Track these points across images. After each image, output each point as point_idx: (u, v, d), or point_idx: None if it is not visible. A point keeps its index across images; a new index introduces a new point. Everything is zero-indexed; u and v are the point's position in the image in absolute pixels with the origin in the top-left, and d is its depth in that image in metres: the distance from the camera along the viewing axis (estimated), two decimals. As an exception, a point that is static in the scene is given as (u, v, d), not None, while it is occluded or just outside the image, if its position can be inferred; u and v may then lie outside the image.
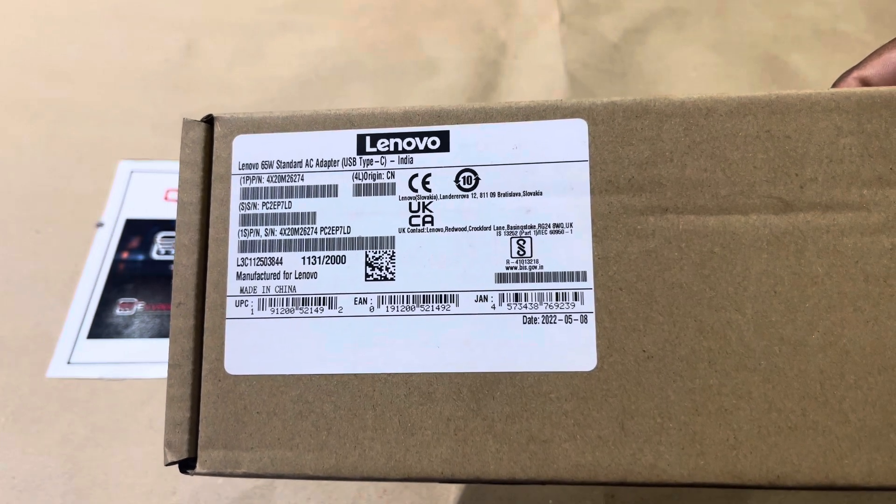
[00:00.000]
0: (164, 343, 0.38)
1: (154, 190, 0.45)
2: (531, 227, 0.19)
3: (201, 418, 0.19)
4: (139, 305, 0.39)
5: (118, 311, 0.39)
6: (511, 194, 0.19)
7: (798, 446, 0.17)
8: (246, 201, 0.20)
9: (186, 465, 0.19)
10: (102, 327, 0.38)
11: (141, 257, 0.42)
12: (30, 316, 0.39)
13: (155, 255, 0.42)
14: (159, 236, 0.43)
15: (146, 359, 0.37)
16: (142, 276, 0.41)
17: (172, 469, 0.33)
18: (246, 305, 0.20)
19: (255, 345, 0.19)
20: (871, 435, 0.17)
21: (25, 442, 0.34)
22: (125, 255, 0.42)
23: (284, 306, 0.19)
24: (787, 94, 0.18)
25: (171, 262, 0.41)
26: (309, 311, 0.19)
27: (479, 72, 0.54)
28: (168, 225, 0.43)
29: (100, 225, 0.43)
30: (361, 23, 0.57)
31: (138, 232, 0.43)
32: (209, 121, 0.20)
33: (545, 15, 0.58)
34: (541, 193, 0.19)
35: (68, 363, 0.37)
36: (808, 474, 0.17)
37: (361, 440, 0.19)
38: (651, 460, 0.18)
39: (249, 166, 0.20)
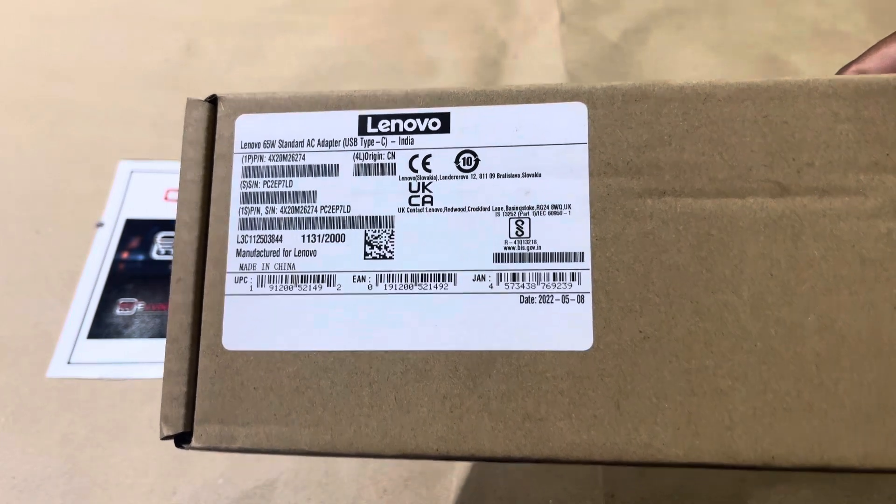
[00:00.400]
0: (164, 343, 0.38)
1: (154, 190, 0.45)
2: (530, 208, 0.19)
3: (198, 393, 0.19)
4: (139, 305, 0.39)
5: (118, 311, 0.39)
6: (510, 175, 0.19)
7: (793, 428, 0.17)
8: (247, 180, 0.20)
9: (182, 440, 0.19)
10: (102, 327, 0.38)
11: (141, 257, 0.42)
12: (30, 316, 0.39)
13: (155, 255, 0.42)
14: (159, 236, 0.43)
15: (146, 359, 0.37)
16: (142, 276, 0.41)
17: (172, 469, 0.33)
18: (245, 282, 0.20)
19: (253, 321, 0.19)
20: (866, 418, 0.17)
21: (25, 442, 0.34)
22: (125, 255, 0.42)
23: (283, 283, 0.19)
24: (786, 80, 0.19)
25: (171, 262, 0.41)
26: (308, 288, 0.19)
27: (479, 72, 0.54)
28: (168, 225, 0.43)
29: (100, 225, 0.43)
30: (361, 22, 0.57)
31: (138, 232, 0.43)
32: (213, 101, 0.21)
33: (545, 15, 0.58)
34: (540, 175, 0.19)
35: (68, 363, 0.37)
36: (802, 456, 0.17)
37: (357, 417, 0.19)
38: (646, 440, 0.18)
39: (251, 145, 0.20)
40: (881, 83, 0.18)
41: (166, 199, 0.45)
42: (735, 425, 0.18)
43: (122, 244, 0.42)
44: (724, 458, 0.17)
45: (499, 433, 0.18)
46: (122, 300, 0.40)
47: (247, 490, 0.32)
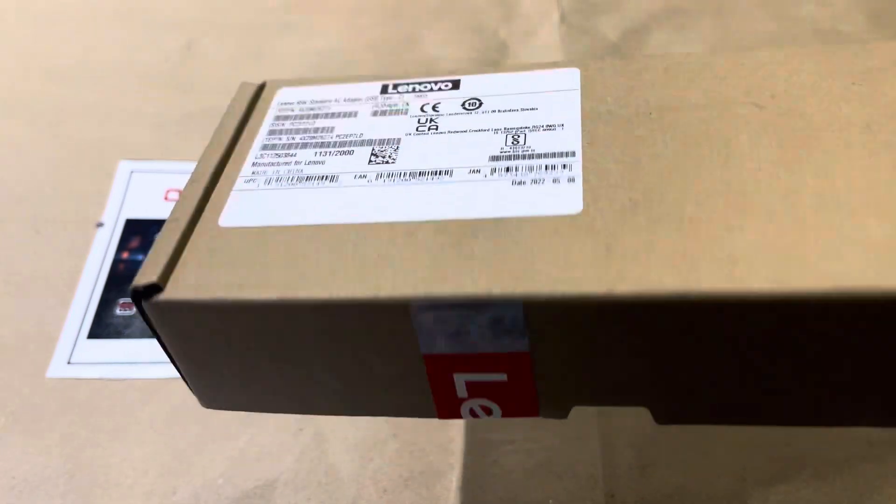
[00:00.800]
0: (164, 343, 0.38)
1: (154, 190, 0.45)
2: (526, 127, 0.21)
3: (182, 259, 0.19)
4: (139, 305, 0.39)
5: (118, 311, 0.39)
6: (510, 111, 0.22)
7: (801, 258, 0.16)
8: (277, 122, 0.23)
9: (153, 291, 0.18)
10: (102, 327, 0.38)
11: (141, 257, 0.42)
12: (30, 316, 0.39)
13: (155, 255, 0.42)
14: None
15: (146, 359, 0.37)
16: (142, 276, 0.41)
17: (172, 469, 0.33)
18: (254, 182, 0.21)
19: (253, 207, 0.20)
20: (876, 248, 0.16)
21: (25, 442, 0.34)
22: (125, 255, 0.42)
23: (289, 181, 0.21)
24: (757, 51, 0.21)
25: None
26: (311, 185, 0.21)
27: (479, 72, 0.54)
28: (168, 225, 0.43)
29: (100, 225, 0.43)
30: (361, 22, 0.57)
31: (138, 232, 0.43)
32: (262, 86, 0.24)
33: (545, 15, 0.58)
34: (536, 109, 0.21)
35: (68, 363, 0.37)
36: (814, 282, 0.16)
37: (337, 270, 0.18)
38: (639, 274, 0.16)
39: (286, 104, 0.24)
40: (840, 46, 0.21)
41: (166, 199, 0.45)
42: (737, 261, 0.16)
43: (122, 244, 0.42)
44: (728, 283, 0.16)
45: (482, 274, 0.17)
46: (122, 300, 0.40)
47: (247, 490, 0.32)
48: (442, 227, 0.19)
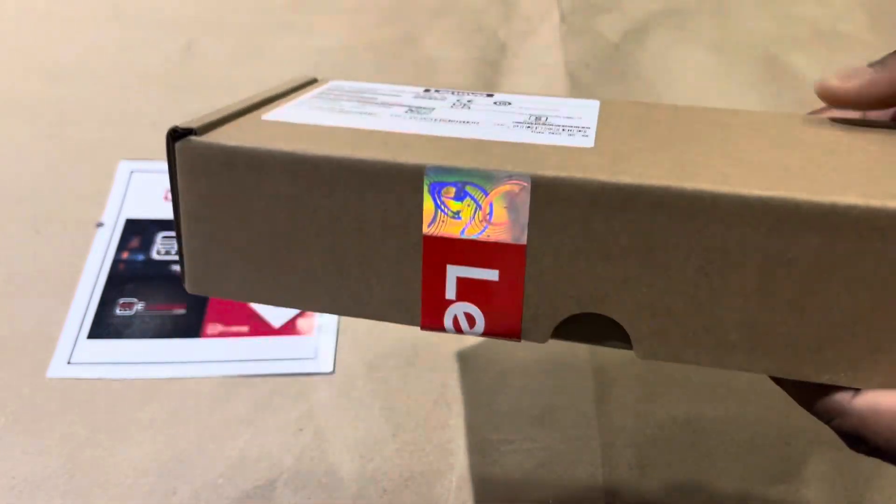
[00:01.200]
0: (164, 343, 0.38)
1: (154, 190, 0.45)
2: (548, 115, 0.24)
3: (223, 126, 0.21)
4: (139, 305, 0.39)
5: (118, 311, 0.39)
6: (537, 108, 0.24)
7: (792, 180, 0.19)
8: (327, 91, 0.26)
9: (188, 133, 0.20)
10: (102, 327, 0.38)
11: (141, 257, 0.42)
12: (30, 316, 0.39)
13: (155, 255, 0.42)
14: (159, 236, 0.43)
15: (146, 359, 0.37)
16: (142, 276, 0.41)
17: (172, 469, 0.33)
18: (298, 108, 0.24)
19: (296, 114, 0.23)
20: (868, 178, 0.19)
21: (25, 442, 0.34)
22: (125, 255, 0.42)
23: (332, 111, 0.24)
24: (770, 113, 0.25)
25: (170, 262, 0.41)
26: (351, 115, 0.23)
27: (480, 72, 0.54)
28: (168, 225, 0.43)
29: (100, 225, 0.43)
30: (361, 22, 0.57)
31: (138, 232, 0.43)
32: (313, 79, 0.28)
33: (545, 15, 0.59)
34: (559, 110, 0.24)
35: (68, 363, 0.37)
36: (806, 196, 0.18)
37: (363, 144, 0.21)
38: (641, 172, 0.19)
39: (337, 85, 0.27)
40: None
41: (166, 199, 0.45)
42: (731, 175, 0.19)
43: (122, 244, 0.42)
44: (722, 185, 0.18)
45: (497, 158, 0.20)
46: (122, 300, 0.40)
47: (247, 490, 0.32)
48: (465, 141, 0.21)
